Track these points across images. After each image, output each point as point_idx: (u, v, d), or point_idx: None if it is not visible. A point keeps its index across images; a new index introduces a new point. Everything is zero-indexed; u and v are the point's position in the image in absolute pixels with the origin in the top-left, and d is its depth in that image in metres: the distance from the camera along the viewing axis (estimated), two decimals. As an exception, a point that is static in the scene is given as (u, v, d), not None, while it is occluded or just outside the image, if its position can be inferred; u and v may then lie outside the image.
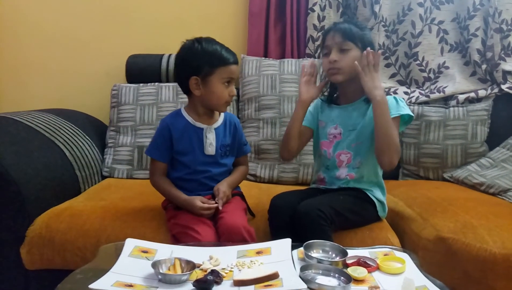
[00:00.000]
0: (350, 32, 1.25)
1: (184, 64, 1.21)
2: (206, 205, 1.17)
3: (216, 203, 1.19)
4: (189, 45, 1.21)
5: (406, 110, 1.24)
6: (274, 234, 1.19)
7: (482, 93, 1.88)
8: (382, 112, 1.18)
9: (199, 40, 1.21)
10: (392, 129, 1.18)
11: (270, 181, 1.77)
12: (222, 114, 1.30)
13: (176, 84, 1.86)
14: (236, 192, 1.31)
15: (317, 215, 1.11)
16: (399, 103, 1.25)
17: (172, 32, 2.06)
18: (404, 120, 1.26)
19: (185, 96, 1.30)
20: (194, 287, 0.80)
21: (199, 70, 1.18)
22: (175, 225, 1.18)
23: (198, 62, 1.18)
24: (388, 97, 1.25)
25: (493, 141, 1.80)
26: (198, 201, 1.18)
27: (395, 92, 1.97)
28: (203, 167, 1.25)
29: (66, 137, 1.59)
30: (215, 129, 1.26)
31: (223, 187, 1.22)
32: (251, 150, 1.47)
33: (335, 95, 1.37)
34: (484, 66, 1.89)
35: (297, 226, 1.14)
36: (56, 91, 2.11)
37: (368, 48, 1.20)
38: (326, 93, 1.38)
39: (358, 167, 1.28)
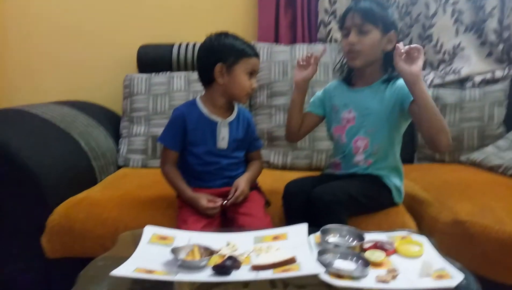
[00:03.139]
0: (371, 12, 1.20)
1: (210, 52, 1.22)
2: (210, 205, 1.17)
3: (224, 200, 1.19)
4: (216, 36, 1.24)
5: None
6: (289, 219, 1.19)
7: (498, 74, 1.83)
8: (423, 89, 1.09)
9: (225, 33, 1.24)
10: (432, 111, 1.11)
11: (284, 168, 1.77)
12: (236, 108, 1.30)
13: (187, 72, 1.88)
14: (253, 186, 1.31)
15: (330, 200, 1.11)
16: None
17: (182, 20, 2.06)
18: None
19: (198, 84, 1.30)
20: (213, 272, 0.81)
21: (225, 58, 1.20)
22: (179, 216, 1.21)
23: (224, 50, 1.20)
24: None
25: (511, 122, 1.76)
26: (204, 200, 1.18)
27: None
28: (214, 159, 1.25)
29: (81, 128, 1.61)
30: (229, 123, 1.26)
31: (242, 184, 1.21)
32: (263, 144, 1.47)
33: (352, 74, 1.33)
34: (501, 46, 1.84)
35: (311, 211, 1.13)
36: (68, 83, 2.13)
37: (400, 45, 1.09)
38: (343, 74, 1.35)
39: (375, 153, 1.25)
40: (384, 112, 1.23)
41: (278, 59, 1.84)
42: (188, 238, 0.96)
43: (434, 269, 0.81)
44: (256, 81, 1.26)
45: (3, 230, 1.31)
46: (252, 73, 1.24)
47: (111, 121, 1.86)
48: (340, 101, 1.31)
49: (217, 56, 1.20)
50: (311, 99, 1.40)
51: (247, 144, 1.33)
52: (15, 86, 2.16)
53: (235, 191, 1.20)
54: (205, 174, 1.26)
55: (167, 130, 1.27)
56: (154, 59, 1.95)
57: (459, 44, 1.92)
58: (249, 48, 1.23)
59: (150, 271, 0.81)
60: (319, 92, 1.39)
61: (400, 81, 1.23)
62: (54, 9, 2.09)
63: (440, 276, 0.80)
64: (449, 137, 1.12)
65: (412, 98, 1.14)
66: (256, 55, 1.24)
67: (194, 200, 1.19)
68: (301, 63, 1.28)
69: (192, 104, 1.28)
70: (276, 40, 2.00)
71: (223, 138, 1.25)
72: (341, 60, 1.36)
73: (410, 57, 1.08)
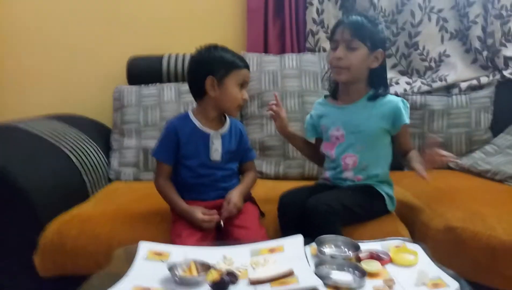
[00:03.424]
0: (361, 28, 1.21)
1: (201, 65, 1.23)
2: (206, 217, 1.17)
3: (218, 213, 1.18)
4: (205, 49, 1.24)
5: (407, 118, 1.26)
6: (285, 231, 1.20)
7: (484, 80, 1.88)
8: None
9: (215, 46, 1.25)
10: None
11: (277, 177, 1.78)
12: (228, 121, 1.30)
13: (177, 84, 1.88)
14: (247, 198, 1.31)
15: (325, 210, 1.12)
16: (406, 111, 1.25)
17: (172, 32, 2.06)
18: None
19: (188, 95, 1.30)
20: (211, 289, 0.81)
21: (216, 71, 1.20)
22: (172, 230, 1.20)
23: (214, 63, 1.21)
24: (396, 99, 1.26)
25: (497, 127, 1.80)
26: (199, 212, 1.17)
27: (396, 83, 1.97)
28: (208, 171, 1.25)
29: (71, 142, 1.60)
30: (222, 135, 1.27)
31: (235, 198, 1.21)
32: (256, 155, 1.48)
33: (337, 88, 1.34)
34: (485, 53, 1.89)
35: (306, 221, 1.14)
36: (57, 96, 2.11)
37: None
38: (329, 87, 1.38)
39: (364, 169, 1.26)
40: (372, 130, 1.25)
41: (268, 69, 1.85)
42: (183, 253, 0.96)
43: (429, 278, 0.82)
44: (247, 92, 1.27)
45: (-6, 249, 1.29)
46: (243, 84, 1.24)
47: (101, 134, 1.85)
48: (328, 120, 1.32)
49: (207, 69, 1.21)
50: (304, 126, 1.43)
51: (240, 156, 1.33)
52: (3, 100, 2.13)
53: (228, 204, 1.20)
54: (199, 187, 1.25)
55: (160, 144, 1.26)
56: (144, 71, 1.95)
57: (444, 51, 1.96)
58: (239, 59, 1.24)
59: (147, 289, 0.80)
60: (308, 117, 1.41)
61: (391, 100, 1.26)
62: (41, 24, 2.08)
63: (435, 285, 0.81)
64: None
65: (404, 122, 1.23)
66: (246, 66, 1.25)
67: (189, 212, 1.18)
68: (271, 114, 1.30)
69: (184, 117, 1.28)
70: (265, 50, 2.01)
71: (216, 150, 1.25)
72: (328, 72, 1.37)
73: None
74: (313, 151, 1.39)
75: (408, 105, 1.27)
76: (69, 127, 1.68)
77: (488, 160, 1.67)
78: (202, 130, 1.25)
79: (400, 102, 1.25)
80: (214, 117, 1.27)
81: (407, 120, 1.24)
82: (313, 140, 1.41)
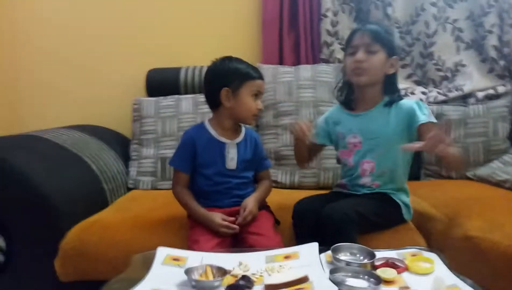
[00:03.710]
0: (380, 34, 1.25)
1: (216, 77, 1.27)
2: (225, 223, 1.19)
3: (236, 220, 1.20)
4: (221, 61, 1.28)
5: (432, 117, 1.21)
6: (300, 239, 1.20)
7: (501, 89, 1.86)
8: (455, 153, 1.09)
9: (229, 57, 1.28)
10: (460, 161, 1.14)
11: (292, 187, 1.79)
12: (243, 130, 1.33)
13: (195, 95, 1.93)
14: (262, 205, 1.32)
15: (341, 219, 1.12)
16: (423, 110, 1.21)
17: (189, 45, 2.11)
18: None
19: (205, 106, 1.34)
20: (227, 293, 0.82)
21: (230, 82, 1.24)
22: (189, 236, 1.22)
23: (229, 75, 1.24)
24: (411, 102, 1.25)
25: (515, 137, 1.78)
26: (218, 217, 1.20)
27: (412, 93, 1.96)
28: (224, 179, 1.28)
29: (91, 152, 1.64)
30: (237, 144, 1.29)
31: (250, 204, 1.23)
32: (271, 164, 1.50)
33: (352, 97, 1.35)
34: (502, 62, 1.88)
35: (321, 230, 1.14)
36: (78, 108, 2.17)
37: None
38: (341, 96, 1.37)
39: (382, 175, 1.27)
40: (390, 135, 1.25)
41: (283, 80, 1.88)
42: (200, 259, 0.98)
43: (446, 286, 0.82)
44: (262, 102, 1.29)
45: (16, 254, 1.32)
46: (257, 94, 1.27)
47: (120, 144, 1.89)
48: (344, 128, 1.33)
49: (222, 80, 1.24)
50: (316, 131, 1.41)
51: (256, 164, 1.35)
52: (27, 112, 2.21)
53: (244, 211, 1.22)
54: (215, 194, 1.28)
55: (178, 154, 1.30)
56: (162, 83, 2.00)
57: (460, 61, 1.96)
58: (253, 70, 1.27)
59: (165, 292, 0.82)
60: (321, 121, 1.41)
61: (405, 103, 1.26)
62: (64, 37, 2.16)
63: (452, 293, 0.80)
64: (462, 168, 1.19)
65: (420, 121, 1.18)
66: (261, 77, 1.28)
67: (208, 217, 1.21)
68: (297, 134, 1.27)
69: (201, 127, 1.31)
70: (280, 62, 2.04)
71: (232, 158, 1.28)
72: (341, 81, 1.37)
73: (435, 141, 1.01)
74: (309, 156, 1.39)
75: (427, 106, 1.24)
76: (89, 137, 1.74)
77: (506, 170, 1.64)
78: (218, 139, 1.28)
79: (414, 104, 1.24)
80: (229, 127, 1.30)
81: (423, 118, 1.18)
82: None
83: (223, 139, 1.28)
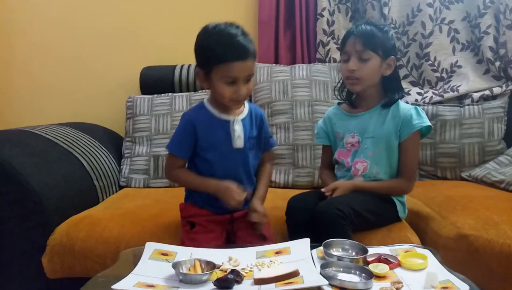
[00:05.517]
0: (372, 38, 1.21)
1: (195, 52, 1.12)
2: (243, 194, 1.09)
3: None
4: (200, 34, 1.12)
5: (426, 122, 1.23)
6: (292, 235, 1.18)
7: (497, 90, 1.86)
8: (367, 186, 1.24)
9: (215, 27, 1.09)
10: (388, 188, 1.26)
11: (286, 186, 1.77)
12: (247, 105, 1.20)
13: (189, 93, 1.91)
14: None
15: (336, 215, 1.10)
16: (421, 114, 1.23)
17: (183, 43, 2.07)
18: (421, 132, 1.25)
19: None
20: (215, 287, 0.80)
21: (203, 63, 1.10)
22: (182, 234, 1.18)
23: (200, 55, 1.10)
24: (409, 107, 1.25)
25: (510, 138, 1.77)
26: (235, 185, 1.09)
27: (408, 94, 1.95)
28: (230, 164, 1.15)
29: (83, 148, 1.62)
30: (242, 120, 1.16)
31: (258, 207, 1.15)
32: (276, 143, 1.40)
33: (353, 97, 1.34)
34: (497, 64, 1.87)
35: (316, 226, 1.13)
36: (72, 105, 2.16)
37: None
38: (342, 96, 1.36)
39: (374, 176, 1.25)
40: (384, 137, 1.25)
41: (278, 79, 1.86)
42: (189, 254, 0.96)
43: (439, 281, 0.80)
44: (249, 86, 1.10)
45: (4, 249, 1.30)
46: (235, 81, 1.07)
47: (113, 142, 1.87)
48: (342, 128, 1.32)
49: (198, 59, 1.11)
50: (316, 131, 1.42)
51: (262, 143, 1.24)
52: (19, 109, 2.19)
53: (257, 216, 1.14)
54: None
55: (176, 138, 1.17)
56: (156, 81, 1.99)
57: (456, 62, 1.95)
58: (233, 50, 1.04)
59: (151, 286, 0.80)
60: (320, 122, 1.40)
61: (404, 108, 1.25)
62: (57, 35, 2.14)
63: (445, 288, 0.79)
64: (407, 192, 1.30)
65: (415, 128, 1.22)
66: (235, 59, 1.05)
67: (223, 185, 1.10)
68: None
69: (200, 107, 1.18)
70: (276, 61, 2.03)
71: (238, 136, 1.13)
72: (340, 82, 1.36)
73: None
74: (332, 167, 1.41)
75: (423, 110, 1.26)
76: (81, 134, 1.72)
77: (502, 171, 1.63)
78: (220, 117, 1.15)
79: (413, 109, 1.25)
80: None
81: (417, 126, 1.22)
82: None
83: (225, 117, 1.14)
